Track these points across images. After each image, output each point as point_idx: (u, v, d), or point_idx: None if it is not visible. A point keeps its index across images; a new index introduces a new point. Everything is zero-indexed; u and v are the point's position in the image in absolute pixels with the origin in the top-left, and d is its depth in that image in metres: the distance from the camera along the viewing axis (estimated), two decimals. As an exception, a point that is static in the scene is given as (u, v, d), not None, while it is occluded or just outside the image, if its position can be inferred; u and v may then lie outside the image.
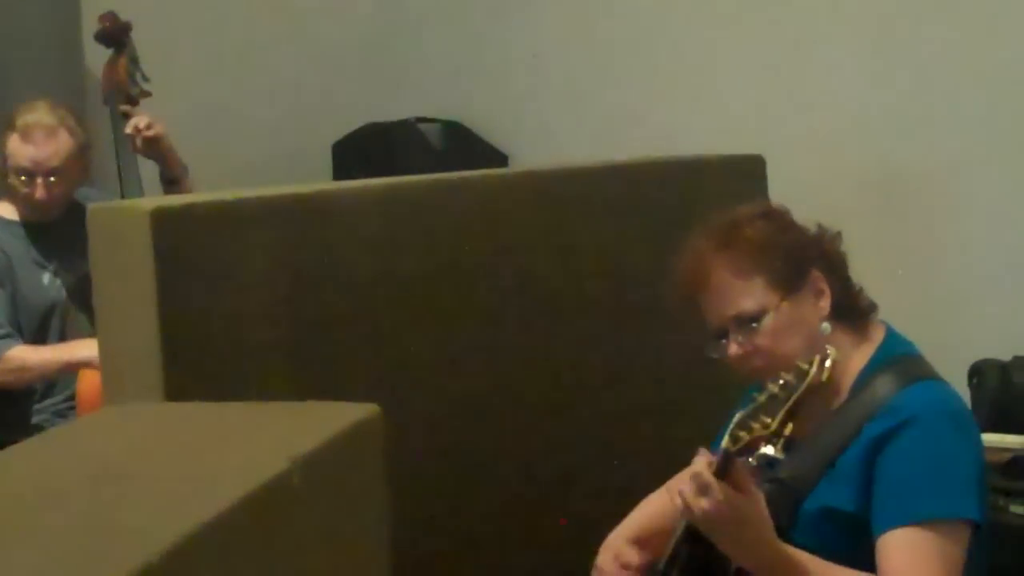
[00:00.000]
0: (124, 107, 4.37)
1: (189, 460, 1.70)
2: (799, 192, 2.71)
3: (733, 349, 2.52)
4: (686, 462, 2.42)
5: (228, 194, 3.04)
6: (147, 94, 4.39)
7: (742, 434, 2.27)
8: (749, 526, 2.30)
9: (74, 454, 1.79)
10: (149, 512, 1.50)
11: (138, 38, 4.43)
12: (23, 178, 4.17)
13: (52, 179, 4.17)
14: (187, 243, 2.76)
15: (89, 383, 3.89)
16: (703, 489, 2.26)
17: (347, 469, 1.77)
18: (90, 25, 4.61)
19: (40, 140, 4.16)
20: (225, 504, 1.49)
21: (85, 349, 3.98)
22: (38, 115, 4.20)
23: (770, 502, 2.38)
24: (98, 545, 1.41)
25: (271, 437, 1.76)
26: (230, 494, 1.51)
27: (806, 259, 2.56)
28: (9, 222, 4.26)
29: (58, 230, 4.20)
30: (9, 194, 4.26)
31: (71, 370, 4.10)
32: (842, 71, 4.48)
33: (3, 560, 1.37)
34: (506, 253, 3.25)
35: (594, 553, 2.78)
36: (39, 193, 4.17)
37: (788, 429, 2.26)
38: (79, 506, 1.56)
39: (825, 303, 2.55)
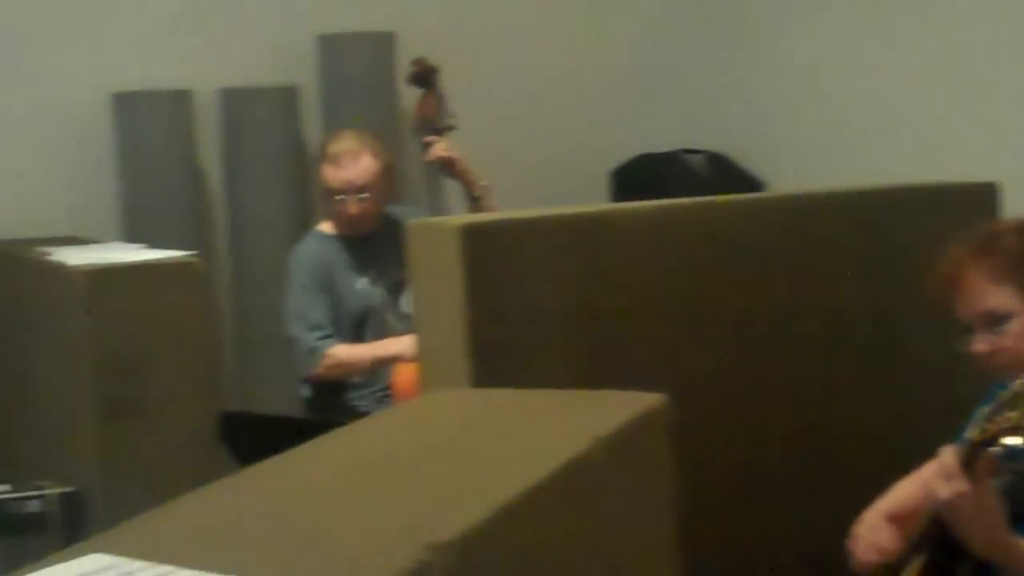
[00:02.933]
0: (431, 137, 4.46)
1: (505, 437, 1.75)
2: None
3: (979, 346, 2.48)
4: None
5: (526, 212, 3.11)
6: (451, 127, 4.49)
7: (988, 426, 2.24)
8: (983, 517, 2.26)
9: (407, 431, 1.86)
10: (473, 481, 1.55)
11: (444, 79, 4.54)
12: (339, 198, 4.32)
13: (362, 196, 4.31)
14: (491, 255, 2.82)
15: (402, 376, 4.02)
16: (948, 478, 2.24)
17: (641, 450, 1.80)
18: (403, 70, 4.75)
19: (347, 164, 4.31)
20: (538, 476, 1.53)
21: (395, 346, 4.13)
22: (344, 143, 4.37)
23: (1011, 491, 2.34)
24: (428, 509, 1.46)
25: (574, 419, 1.79)
26: (542, 468, 1.55)
27: None
28: (330, 236, 4.41)
29: (374, 242, 4.35)
30: (330, 214, 4.42)
31: (382, 365, 4.23)
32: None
33: (347, 517, 1.43)
34: (760, 272, 3.22)
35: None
36: (352, 209, 4.32)
37: None
38: (413, 475, 1.62)
39: None
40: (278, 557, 1.27)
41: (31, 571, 1.33)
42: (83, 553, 1.35)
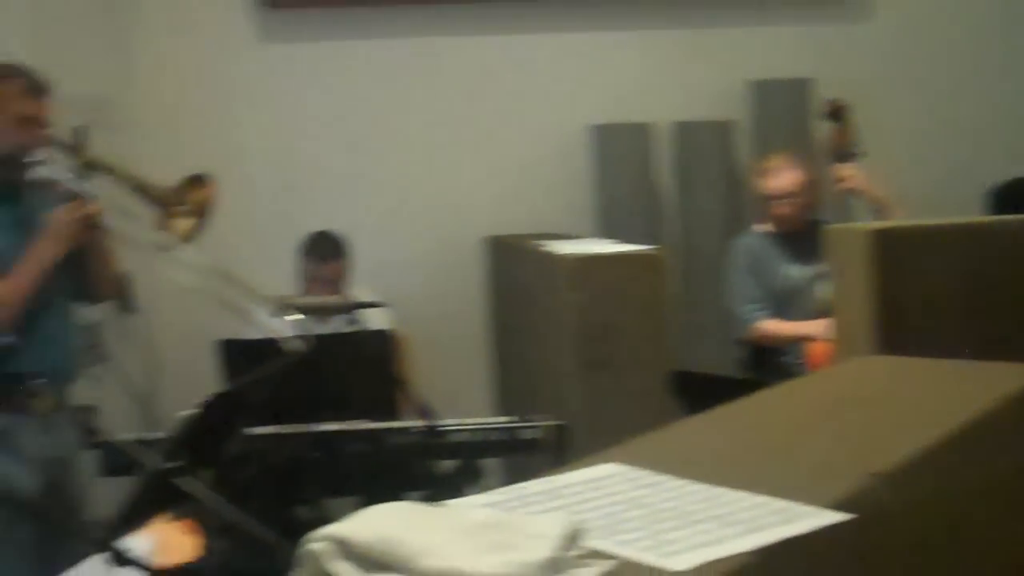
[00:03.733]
0: (841, 163, 4.38)
1: (919, 393, 1.70)
2: None
3: None
4: None
5: (923, 221, 3.03)
6: (859, 154, 4.39)
7: None
8: None
9: (835, 387, 1.85)
10: (898, 427, 1.52)
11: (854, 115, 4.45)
12: (772, 202, 4.35)
13: (786, 200, 4.32)
14: (894, 255, 2.76)
15: (816, 350, 4.02)
16: None
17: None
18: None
19: (774, 176, 4.34)
20: (954, 425, 1.48)
21: (812, 328, 4.10)
22: (775, 161, 4.41)
23: None
24: (863, 446, 1.44)
25: (979, 382, 1.72)
26: (957, 418, 1.50)
27: None
28: (763, 233, 4.45)
29: (797, 240, 4.33)
30: (765, 216, 4.44)
31: (800, 341, 4.21)
32: None
33: (797, 451, 1.44)
34: None
35: None
36: (782, 210, 4.34)
37: None
38: (843, 420, 1.61)
39: None
40: (751, 476, 1.30)
41: (558, 474, 1.41)
42: (598, 463, 1.43)
